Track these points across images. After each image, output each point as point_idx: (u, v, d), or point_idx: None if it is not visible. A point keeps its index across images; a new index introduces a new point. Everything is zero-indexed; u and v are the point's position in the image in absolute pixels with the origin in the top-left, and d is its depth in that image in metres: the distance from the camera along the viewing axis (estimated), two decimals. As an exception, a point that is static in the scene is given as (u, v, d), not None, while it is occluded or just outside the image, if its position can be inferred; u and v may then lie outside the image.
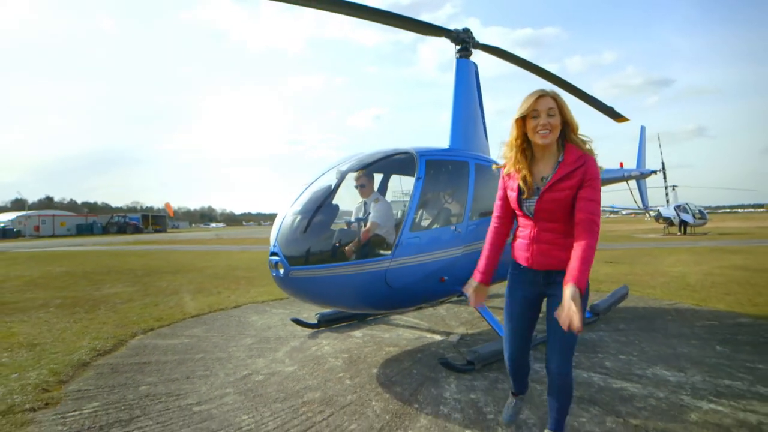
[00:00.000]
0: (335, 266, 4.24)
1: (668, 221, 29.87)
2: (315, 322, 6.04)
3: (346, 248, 4.34)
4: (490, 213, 5.04)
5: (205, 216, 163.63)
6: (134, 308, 7.59)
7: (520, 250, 2.62)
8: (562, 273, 2.40)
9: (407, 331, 5.92)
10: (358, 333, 5.84)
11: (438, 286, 4.78)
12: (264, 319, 6.71)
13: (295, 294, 4.35)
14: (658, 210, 30.64)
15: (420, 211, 4.80)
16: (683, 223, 29.12)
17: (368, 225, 4.59)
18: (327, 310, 6.18)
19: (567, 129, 2.46)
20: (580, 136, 2.48)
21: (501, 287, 5.16)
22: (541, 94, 2.42)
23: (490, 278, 2.72)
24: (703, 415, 3.21)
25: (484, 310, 4.89)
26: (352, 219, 5.01)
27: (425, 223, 4.94)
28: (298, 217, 4.43)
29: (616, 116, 9.02)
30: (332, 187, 4.69)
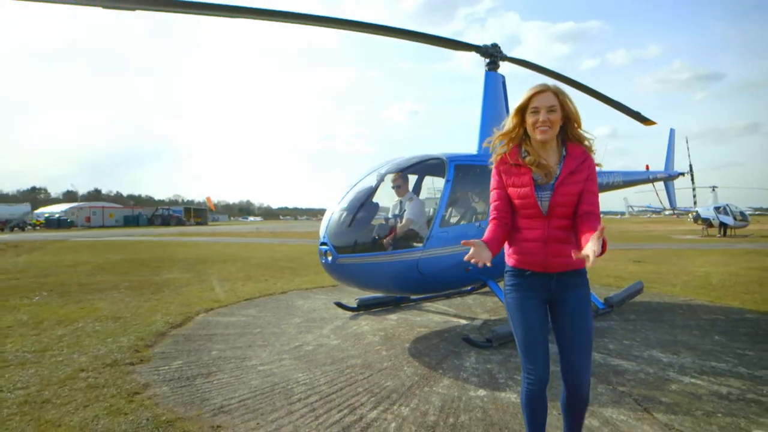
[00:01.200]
0: (375, 255, 5.01)
1: (707, 222, 29.36)
2: (355, 306, 6.83)
3: (385, 240, 5.10)
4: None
5: (244, 210, 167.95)
6: (194, 291, 8.58)
7: (528, 254, 2.36)
8: (573, 275, 2.35)
9: (436, 316, 6.63)
10: (393, 316, 6.58)
11: (463, 275, 5.47)
12: (309, 303, 7.54)
13: (341, 278, 5.14)
14: (697, 211, 30.15)
15: (449, 210, 5.49)
16: (723, 225, 28.57)
17: (404, 220, 5.34)
18: (366, 295, 6.99)
19: (569, 124, 2.36)
20: (582, 132, 2.39)
21: None
22: (542, 89, 2.31)
23: (493, 243, 2.28)
24: (681, 387, 3.80)
25: (499, 289, 5.57)
26: (390, 215, 5.75)
27: (453, 219, 5.63)
28: (344, 213, 5.21)
29: (644, 120, 9.42)
30: (373, 188, 5.46)
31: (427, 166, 5.90)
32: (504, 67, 6.99)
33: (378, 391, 3.77)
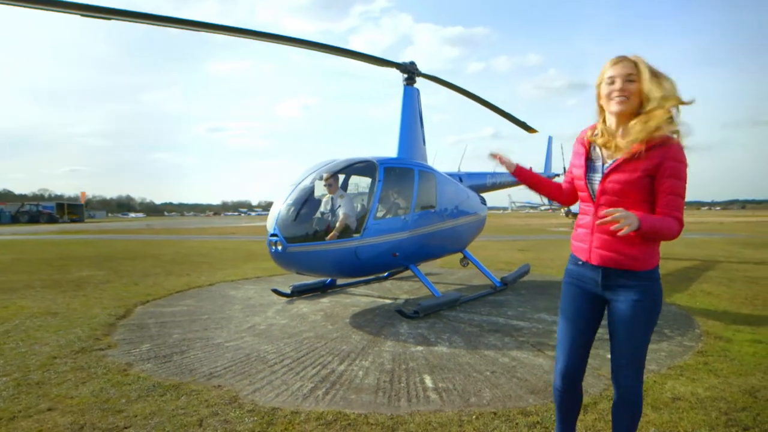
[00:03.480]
0: (321, 243, 5.83)
1: (576, 216, 33.68)
2: (289, 292, 7.55)
3: (328, 230, 5.94)
4: (429, 206, 6.92)
5: (123, 205, 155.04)
6: (119, 287, 8.63)
7: (579, 241, 2.28)
8: (625, 274, 2.14)
9: (363, 298, 7.58)
10: (325, 300, 7.41)
11: (391, 260, 6.50)
12: (241, 293, 8.08)
13: (290, 265, 5.88)
14: (568, 207, 34.44)
15: (380, 205, 6.45)
16: (588, 218, 32.97)
17: (342, 214, 6.20)
18: (299, 282, 7.75)
19: (647, 103, 2.04)
20: (665, 116, 2.01)
21: (433, 265, 7.14)
22: (620, 59, 2.09)
23: (527, 171, 2.52)
24: (561, 335, 5.16)
25: (422, 275, 6.70)
26: (324, 209, 6.57)
27: (383, 213, 6.60)
28: (292, 208, 5.97)
29: (529, 129, 11.14)
30: (314, 186, 6.27)
31: (359, 168, 6.81)
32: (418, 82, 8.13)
33: (338, 353, 4.64)
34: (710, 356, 4.35)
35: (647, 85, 2.02)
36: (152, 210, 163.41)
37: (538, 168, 12.78)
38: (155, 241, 22.09)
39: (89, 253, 15.64)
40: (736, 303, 6.79)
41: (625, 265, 2.12)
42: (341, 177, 7.28)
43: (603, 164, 2.16)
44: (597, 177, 2.17)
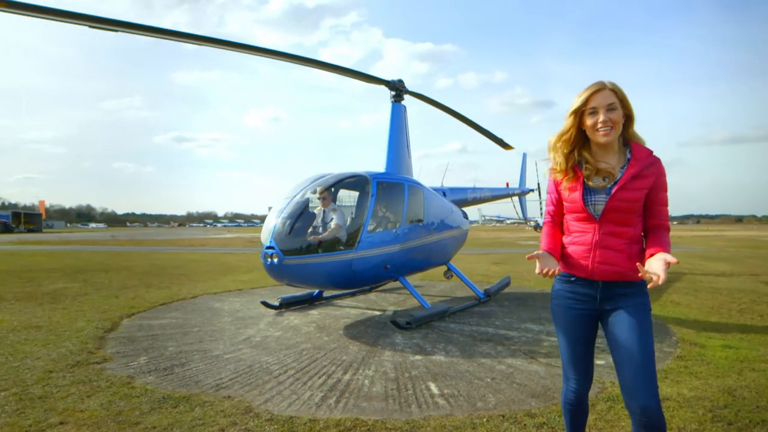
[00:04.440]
0: (316, 256, 5.94)
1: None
2: (277, 304, 7.59)
3: (323, 244, 6.05)
4: (418, 220, 7.12)
5: (83, 215, 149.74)
6: (98, 299, 8.47)
7: (576, 258, 2.27)
8: (623, 286, 2.21)
9: (352, 309, 7.69)
10: (314, 312, 7.49)
11: (383, 272, 6.65)
12: (227, 305, 8.06)
13: (285, 278, 5.96)
14: (536, 220, 35.35)
15: (373, 219, 6.61)
16: (555, 232, 33.92)
17: (334, 226, 6.32)
18: (287, 294, 7.81)
19: (629, 123, 2.23)
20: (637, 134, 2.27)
21: (414, 278, 7.35)
22: (599, 88, 2.17)
23: (554, 250, 2.34)
24: (550, 343, 5.42)
25: (412, 287, 6.88)
26: (317, 222, 6.68)
27: (376, 227, 6.76)
28: (287, 221, 6.06)
29: (505, 145, 11.53)
30: (309, 199, 6.39)
31: (352, 182, 6.96)
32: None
33: (340, 363, 4.74)
34: (689, 360, 4.67)
35: (630, 109, 2.21)
36: (114, 220, 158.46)
37: (505, 178, 13.30)
38: (124, 252, 21.55)
39: (57, 264, 15.16)
40: (704, 312, 7.24)
41: (627, 277, 2.18)
42: (334, 190, 7.46)
43: (604, 186, 2.21)
44: (601, 197, 2.20)
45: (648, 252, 2.12)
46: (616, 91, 2.17)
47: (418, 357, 4.93)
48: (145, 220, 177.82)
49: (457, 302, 8.09)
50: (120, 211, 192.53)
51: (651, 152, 2.22)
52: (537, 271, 2.18)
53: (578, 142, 2.27)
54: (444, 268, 8.44)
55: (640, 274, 2.00)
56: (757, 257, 18.51)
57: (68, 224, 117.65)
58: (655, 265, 1.99)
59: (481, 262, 15.87)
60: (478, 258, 17.71)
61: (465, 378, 4.25)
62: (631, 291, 2.21)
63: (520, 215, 14.30)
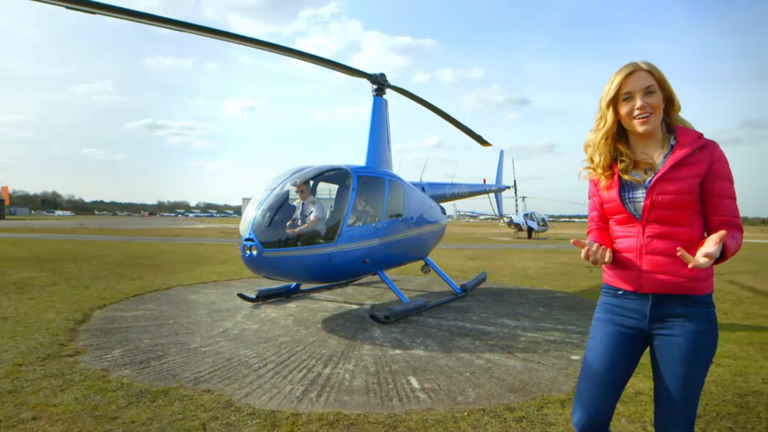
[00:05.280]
0: (297, 249, 5.91)
1: (518, 227, 35.16)
2: (254, 296, 7.52)
3: (303, 236, 6.02)
4: (397, 215, 7.14)
5: (49, 202, 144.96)
6: (68, 290, 8.22)
7: (621, 268, 1.95)
8: (680, 300, 1.84)
9: (329, 303, 7.67)
10: (292, 305, 7.45)
11: (362, 266, 6.66)
12: (202, 297, 7.94)
13: (264, 270, 5.90)
14: (511, 217, 35.87)
15: (353, 212, 6.60)
16: (530, 229, 34.55)
17: (313, 218, 6.28)
18: (265, 287, 7.76)
19: (670, 107, 1.91)
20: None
21: (390, 273, 7.37)
22: (633, 69, 1.87)
23: (604, 243, 2.01)
24: (526, 338, 5.53)
25: (390, 282, 6.91)
26: (297, 215, 6.63)
27: (356, 220, 6.75)
28: (267, 214, 6.00)
29: (483, 142, 11.65)
30: (289, 192, 6.34)
31: (333, 175, 6.93)
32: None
33: (320, 357, 4.74)
34: (660, 357, 4.84)
35: (670, 91, 1.89)
36: (81, 208, 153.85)
37: (490, 180, 13.45)
38: (93, 241, 20.97)
39: (22, 253, 14.65)
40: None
41: (685, 289, 1.83)
42: (314, 183, 7.41)
43: (643, 180, 1.88)
44: (639, 193, 1.88)
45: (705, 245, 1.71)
46: (653, 72, 1.86)
47: (397, 351, 4.97)
48: (114, 208, 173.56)
49: (435, 297, 8.16)
50: (88, 199, 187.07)
51: (700, 135, 1.87)
52: (583, 255, 1.86)
53: (615, 137, 1.96)
54: (422, 262, 8.50)
55: (689, 263, 1.65)
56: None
57: (33, 211, 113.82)
58: (703, 248, 1.66)
59: (456, 257, 16.03)
60: (453, 253, 17.87)
61: (445, 372, 4.31)
62: (690, 311, 1.83)
63: (496, 211, 14.54)
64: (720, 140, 1.91)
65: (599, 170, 1.98)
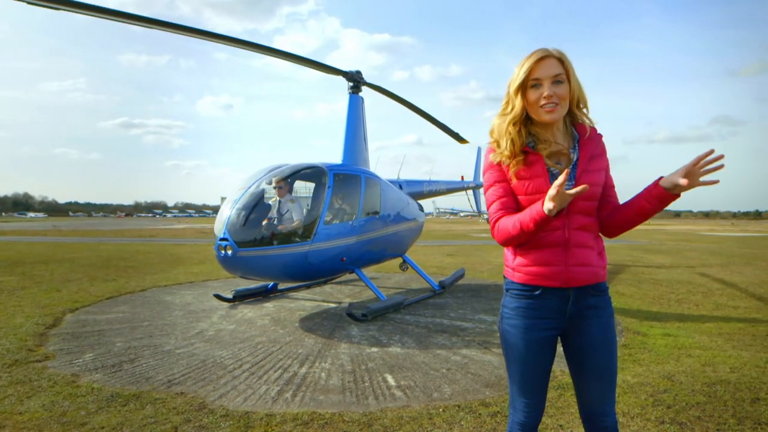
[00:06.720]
0: (271, 248, 5.85)
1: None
2: (231, 297, 7.44)
3: (279, 235, 5.97)
4: (374, 212, 7.13)
5: (20, 204, 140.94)
6: (38, 293, 8.02)
7: (543, 265, 1.82)
8: (592, 291, 1.85)
9: (307, 302, 7.63)
10: (269, 305, 7.39)
11: (339, 264, 6.64)
12: (178, 299, 7.82)
13: (240, 270, 5.84)
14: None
15: (329, 211, 6.57)
16: (507, 224, 34.86)
17: (296, 221, 6.24)
18: (241, 287, 7.68)
19: (573, 100, 1.85)
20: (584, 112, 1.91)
21: (368, 270, 7.37)
22: (543, 55, 1.78)
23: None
24: (503, 333, 5.58)
25: (368, 279, 6.91)
26: (273, 213, 6.58)
27: (332, 218, 6.73)
28: (243, 212, 5.93)
29: (461, 139, 11.69)
30: (265, 190, 6.28)
31: (309, 173, 6.88)
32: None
33: (296, 356, 4.71)
34: (632, 348, 4.93)
35: (577, 86, 1.84)
36: (55, 209, 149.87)
37: (468, 177, 13.53)
38: (66, 243, 20.46)
39: (-9, 256, 14.22)
40: (646, 302, 7.66)
41: (598, 277, 1.85)
42: (290, 181, 7.36)
43: (562, 170, 1.77)
44: (566, 184, 1.73)
45: (637, 197, 1.79)
46: (563, 61, 1.79)
47: (374, 349, 4.97)
48: (89, 209, 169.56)
49: (413, 294, 8.18)
50: (62, 200, 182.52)
51: (596, 130, 1.91)
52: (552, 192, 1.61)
53: (521, 123, 1.87)
54: (400, 260, 8.51)
55: (683, 182, 1.62)
56: (693, 250, 19.73)
57: (3, 213, 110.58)
58: (672, 177, 1.67)
59: (435, 254, 16.11)
60: (432, 250, 17.97)
61: (421, 369, 4.32)
62: (599, 300, 1.87)
63: (475, 208, 14.62)
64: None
65: (506, 156, 1.86)
